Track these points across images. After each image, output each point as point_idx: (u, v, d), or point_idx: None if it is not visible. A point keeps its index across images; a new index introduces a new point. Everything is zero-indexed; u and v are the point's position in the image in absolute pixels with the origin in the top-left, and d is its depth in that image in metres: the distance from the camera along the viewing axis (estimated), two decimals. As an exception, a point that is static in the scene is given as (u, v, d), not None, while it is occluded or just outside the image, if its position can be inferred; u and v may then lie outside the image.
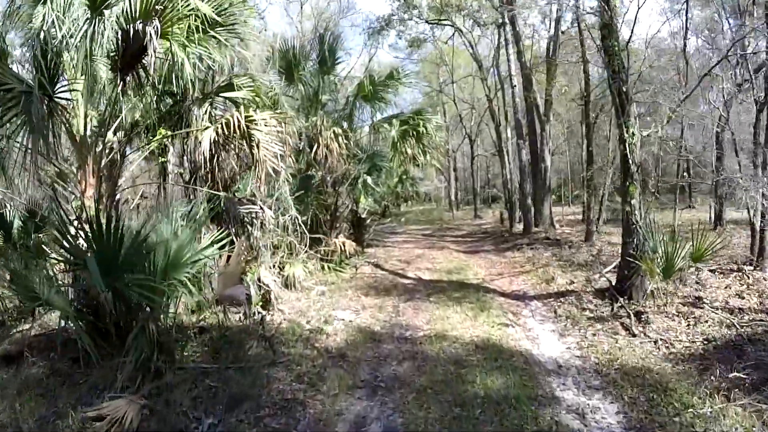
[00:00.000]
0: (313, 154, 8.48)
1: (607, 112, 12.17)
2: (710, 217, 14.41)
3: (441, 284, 8.16)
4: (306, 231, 10.32)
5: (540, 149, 13.46)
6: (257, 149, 5.36)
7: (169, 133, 6.38)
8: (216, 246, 4.93)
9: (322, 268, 8.23)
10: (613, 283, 6.52)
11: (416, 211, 30.69)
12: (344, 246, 10.09)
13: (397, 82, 10.65)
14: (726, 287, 6.48)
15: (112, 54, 4.95)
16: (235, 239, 5.93)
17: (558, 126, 18.54)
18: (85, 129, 5.03)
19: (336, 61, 10.74)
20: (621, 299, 5.99)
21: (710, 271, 6.96)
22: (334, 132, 8.28)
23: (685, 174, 22.46)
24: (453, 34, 19.78)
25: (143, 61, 4.92)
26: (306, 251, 8.81)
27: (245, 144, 5.52)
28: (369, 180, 11.92)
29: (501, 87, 16.96)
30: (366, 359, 4.76)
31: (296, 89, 10.19)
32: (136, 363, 3.57)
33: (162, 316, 4.27)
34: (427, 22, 18.56)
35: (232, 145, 5.59)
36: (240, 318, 5.70)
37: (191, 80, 7.01)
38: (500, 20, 15.54)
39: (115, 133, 6.27)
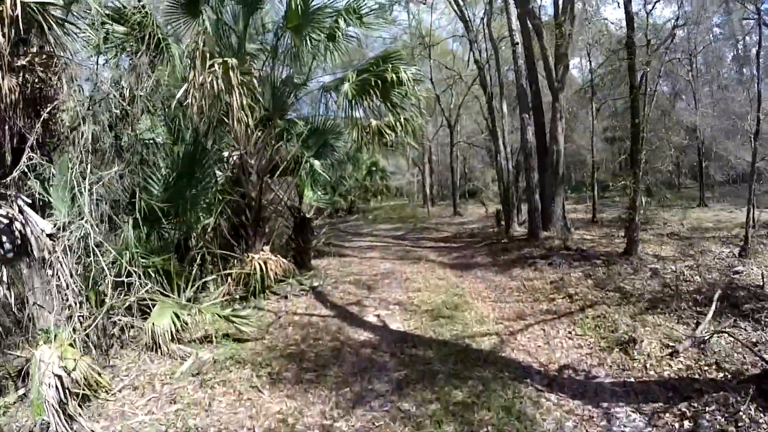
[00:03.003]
0: (176, 100, 4.61)
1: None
2: (752, 220, 11.29)
3: (423, 349, 4.43)
4: (206, 245, 6.59)
5: (551, 127, 9.98)
6: None
7: None
8: None
9: (203, 312, 4.44)
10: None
11: (386, 207, 26.94)
12: (266, 266, 6.36)
13: (356, 19, 6.86)
14: None
15: None
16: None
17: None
18: None
19: (266, -13, 6.90)
20: None
21: None
22: (225, 64, 4.37)
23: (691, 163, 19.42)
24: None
25: None
26: (194, 283, 5.06)
27: None
28: (317, 165, 8.08)
29: (494, 51, 13.39)
30: None
31: (204, 31, 6.26)
32: None
33: None
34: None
35: None
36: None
37: None
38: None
39: None
